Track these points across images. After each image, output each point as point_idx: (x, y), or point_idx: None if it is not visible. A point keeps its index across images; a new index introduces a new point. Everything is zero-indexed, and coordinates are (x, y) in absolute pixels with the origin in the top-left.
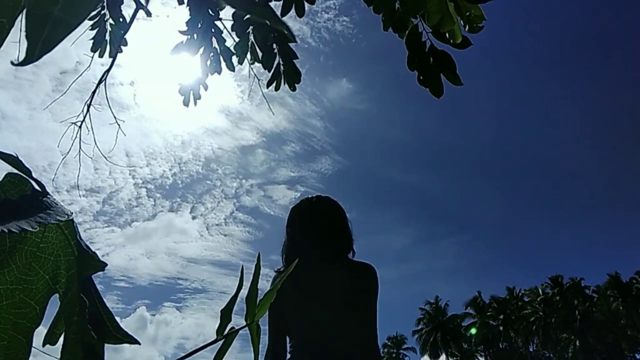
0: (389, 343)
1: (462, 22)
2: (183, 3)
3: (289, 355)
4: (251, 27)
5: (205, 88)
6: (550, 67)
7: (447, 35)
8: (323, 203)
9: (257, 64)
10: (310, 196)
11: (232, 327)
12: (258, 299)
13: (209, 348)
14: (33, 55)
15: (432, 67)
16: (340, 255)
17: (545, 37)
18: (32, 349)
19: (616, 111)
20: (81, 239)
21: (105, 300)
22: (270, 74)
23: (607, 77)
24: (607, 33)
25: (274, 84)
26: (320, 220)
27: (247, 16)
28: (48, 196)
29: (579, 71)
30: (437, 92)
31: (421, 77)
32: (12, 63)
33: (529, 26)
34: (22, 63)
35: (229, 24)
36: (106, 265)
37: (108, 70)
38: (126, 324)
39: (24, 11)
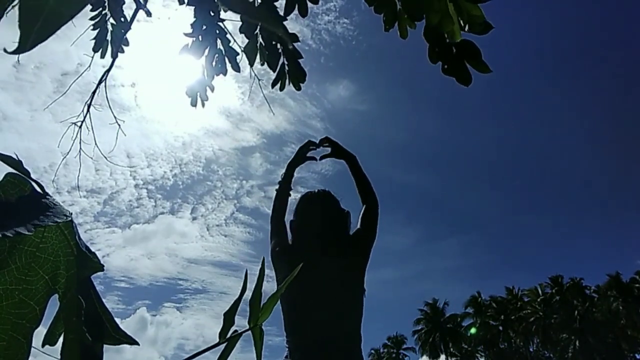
0: (389, 343)
1: (462, 22)
2: (184, 3)
3: (286, 352)
4: (259, 29)
5: (212, 90)
6: (550, 67)
7: (445, 35)
8: (321, 196)
9: (257, 65)
10: (313, 190)
11: (235, 330)
12: (262, 303)
13: (210, 350)
14: (26, 45)
15: (456, 56)
16: (338, 243)
17: (545, 36)
18: (32, 349)
19: (616, 111)
20: (80, 239)
21: (105, 300)
22: (275, 73)
23: (607, 77)
24: (608, 33)
25: (278, 84)
26: (317, 212)
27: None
28: (47, 197)
29: (579, 71)
30: (465, 80)
31: (446, 67)
32: (5, 51)
33: (529, 26)
34: (15, 52)
35: (230, 25)
36: (104, 265)
37: (108, 70)
38: (126, 325)
39: (19, 0)
